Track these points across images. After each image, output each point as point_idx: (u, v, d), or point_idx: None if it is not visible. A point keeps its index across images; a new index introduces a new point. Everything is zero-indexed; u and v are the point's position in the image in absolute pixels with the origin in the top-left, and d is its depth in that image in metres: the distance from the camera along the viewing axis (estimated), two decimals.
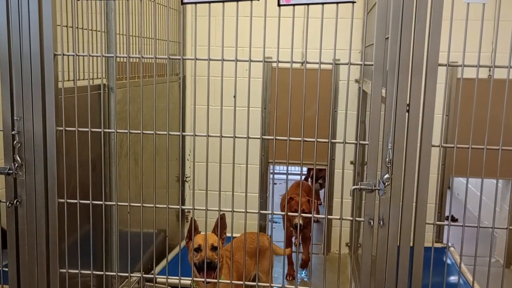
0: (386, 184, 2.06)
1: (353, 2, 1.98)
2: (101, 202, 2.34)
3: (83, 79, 2.72)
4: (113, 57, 3.01)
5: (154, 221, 2.32)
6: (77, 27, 2.20)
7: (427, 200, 2.11)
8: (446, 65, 2.02)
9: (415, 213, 2.12)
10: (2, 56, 2.17)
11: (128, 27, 2.37)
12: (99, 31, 2.34)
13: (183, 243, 2.99)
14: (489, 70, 4.21)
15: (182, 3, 2.07)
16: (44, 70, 2.17)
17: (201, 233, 2.77)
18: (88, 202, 2.32)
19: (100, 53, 2.36)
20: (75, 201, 2.30)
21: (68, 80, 2.55)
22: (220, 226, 2.62)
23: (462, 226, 2.17)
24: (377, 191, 2.09)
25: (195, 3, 2.07)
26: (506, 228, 2.33)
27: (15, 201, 2.25)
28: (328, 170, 4.62)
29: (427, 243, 2.16)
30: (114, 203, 2.42)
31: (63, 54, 2.20)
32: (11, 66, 2.18)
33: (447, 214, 4.71)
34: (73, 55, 2.21)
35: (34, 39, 2.14)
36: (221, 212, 2.51)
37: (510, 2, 1.99)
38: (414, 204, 2.11)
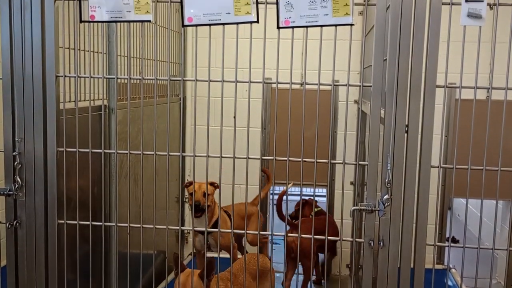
0: (386, 204, 2.06)
1: (352, 25, 2.01)
2: (100, 223, 2.33)
3: (84, 100, 2.74)
4: (114, 78, 3.03)
5: (154, 242, 2.31)
6: (79, 49, 2.22)
7: (427, 221, 2.10)
8: (444, 87, 2.04)
9: (415, 234, 2.11)
10: (5, 77, 2.19)
11: (129, 48, 2.39)
12: (101, 52, 2.36)
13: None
14: (487, 91, 4.22)
15: (183, 26, 2.10)
16: (46, 91, 2.18)
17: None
18: (88, 223, 2.31)
19: (101, 74, 2.38)
20: (75, 222, 2.29)
21: (70, 101, 2.57)
22: (208, 270, 2.55)
23: (463, 247, 2.17)
24: (377, 211, 2.09)
25: (196, 25, 2.10)
26: (507, 249, 2.32)
27: (14, 222, 2.25)
28: (328, 190, 4.61)
29: (428, 265, 2.15)
30: (113, 224, 2.42)
31: (65, 76, 2.22)
32: (13, 87, 2.19)
33: (447, 235, 4.68)
34: (75, 77, 2.23)
35: (36, 60, 2.16)
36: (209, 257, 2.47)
37: (506, 24, 2.01)
38: (414, 225, 2.10)
